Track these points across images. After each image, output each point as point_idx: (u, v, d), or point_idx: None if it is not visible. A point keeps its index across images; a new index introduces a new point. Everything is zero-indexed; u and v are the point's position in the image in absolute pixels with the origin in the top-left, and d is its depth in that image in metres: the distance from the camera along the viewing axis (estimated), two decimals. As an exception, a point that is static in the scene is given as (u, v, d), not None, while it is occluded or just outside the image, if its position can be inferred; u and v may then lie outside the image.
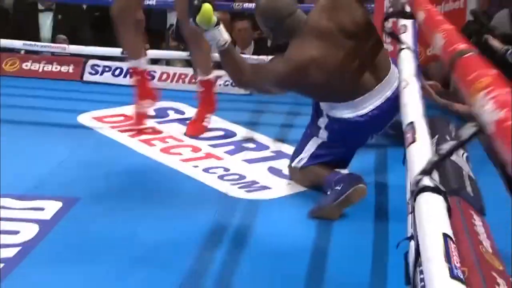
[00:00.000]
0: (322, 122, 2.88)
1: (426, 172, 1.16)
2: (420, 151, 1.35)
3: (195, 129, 3.69)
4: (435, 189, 1.14)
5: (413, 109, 1.64)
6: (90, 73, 4.94)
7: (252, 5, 4.55)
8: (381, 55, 2.82)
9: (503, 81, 0.94)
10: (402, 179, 2.11)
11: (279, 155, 3.42)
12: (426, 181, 1.15)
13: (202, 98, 3.74)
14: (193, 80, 4.62)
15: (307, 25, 2.79)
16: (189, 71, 4.69)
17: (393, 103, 2.65)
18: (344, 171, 2.80)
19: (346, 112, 2.80)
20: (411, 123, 1.52)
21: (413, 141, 1.41)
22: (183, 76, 4.77)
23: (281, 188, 2.99)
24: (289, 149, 3.36)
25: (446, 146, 1.17)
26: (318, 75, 2.71)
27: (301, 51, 2.72)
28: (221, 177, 3.12)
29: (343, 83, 2.76)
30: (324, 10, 2.79)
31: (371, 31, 2.83)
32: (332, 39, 2.74)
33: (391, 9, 2.82)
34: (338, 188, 2.63)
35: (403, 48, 2.32)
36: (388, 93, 2.80)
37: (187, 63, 4.92)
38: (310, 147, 2.90)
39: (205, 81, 3.70)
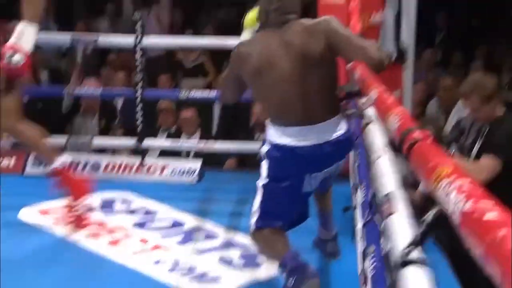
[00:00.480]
0: (265, 148, 2.80)
1: (416, 243, 1.12)
2: (400, 223, 1.32)
3: (73, 221, 3.57)
4: (423, 262, 1.10)
5: (388, 180, 1.61)
6: (33, 166, 4.82)
7: (199, 94, 4.59)
8: (326, 101, 2.74)
9: (462, 171, 0.93)
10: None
11: (230, 244, 3.35)
12: (416, 254, 1.11)
13: (65, 187, 3.58)
14: (137, 169, 4.57)
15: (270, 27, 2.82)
16: (136, 160, 4.63)
17: (334, 149, 2.69)
18: (299, 258, 2.73)
19: (284, 138, 2.72)
20: (388, 194, 1.50)
21: (391, 212, 1.38)
22: (129, 166, 4.70)
23: (232, 279, 2.91)
24: (241, 238, 3.29)
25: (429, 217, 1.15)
26: (249, 68, 2.74)
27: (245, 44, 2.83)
28: (171, 270, 3.02)
29: (274, 99, 2.72)
30: (296, 31, 2.75)
31: (326, 77, 2.75)
32: (278, 50, 2.72)
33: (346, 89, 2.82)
34: (292, 280, 2.57)
35: (368, 123, 2.32)
36: (328, 137, 2.72)
37: (134, 152, 4.87)
38: (258, 196, 2.79)
39: (55, 170, 3.59)
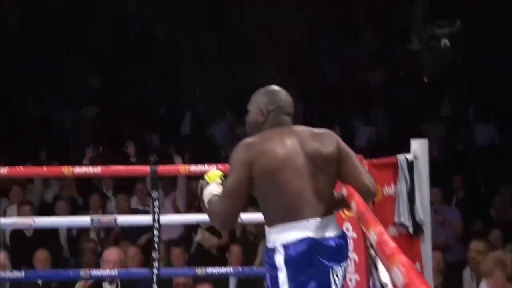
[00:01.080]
0: (278, 258, 2.67)
1: None
2: None
3: None
4: None
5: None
6: None
7: (215, 270, 4.57)
8: (331, 198, 2.81)
9: None
10: None
11: None
12: None
13: None
14: None
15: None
16: None
17: (344, 243, 2.73)
18: None
19: (298, 233, 2.66)
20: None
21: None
22: None
23: None
24: None
25: None
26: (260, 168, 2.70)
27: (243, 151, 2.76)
28: None
29: (286, 194, 2.70)
30: (304, 132, 2.83)
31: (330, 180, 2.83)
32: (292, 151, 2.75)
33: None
34: None
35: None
36: (338, 231, 2.77)
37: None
38: None
39: None
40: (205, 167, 4.41)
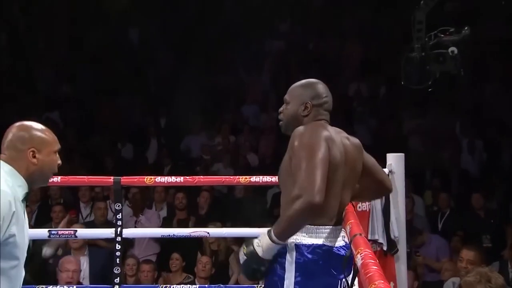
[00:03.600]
0: (290, 258, 2.62)
1: None
2: None
3: None
4: None
5: None
6: None
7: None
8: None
9: None
10: None
11: None
12: None
13: None
14: None
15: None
16: None
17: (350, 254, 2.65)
18: None
19: (325, 239, 2.66)
20: None
21: None
22: None
23: None
24: None
25: None
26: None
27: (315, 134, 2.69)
28: None
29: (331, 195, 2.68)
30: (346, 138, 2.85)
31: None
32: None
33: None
34: None
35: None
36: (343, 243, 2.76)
37: None
38: None
39: None
40: (173, 178, 4.36)
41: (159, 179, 4.41)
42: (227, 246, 6.68)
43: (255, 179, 4.30)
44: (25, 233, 2.51)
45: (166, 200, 7.62)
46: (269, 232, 2.59)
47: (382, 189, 3.07)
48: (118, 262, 4.32)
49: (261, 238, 2.61)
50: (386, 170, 4.16)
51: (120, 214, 4.32)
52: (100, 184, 5.74)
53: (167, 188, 7.52)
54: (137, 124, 10.32)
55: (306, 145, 2.62)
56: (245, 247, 2.65)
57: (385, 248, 4.21)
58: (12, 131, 2.54)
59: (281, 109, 2.93)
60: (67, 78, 10.96)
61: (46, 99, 10.55)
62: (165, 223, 7.03)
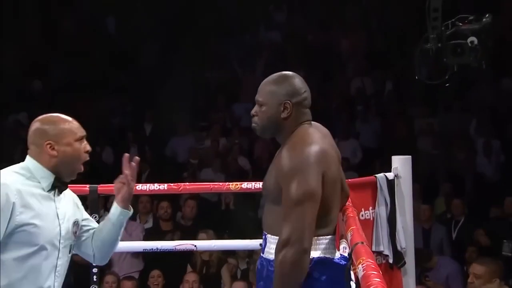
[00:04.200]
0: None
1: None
2: None
3: None
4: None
5: None
6: None
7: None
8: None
9: None
10: None
11: None
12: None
13: None
14: None
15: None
16: None
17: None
18: None
19: (331, 250, 2.71)
20: None
21: None
22: None
23: None
24: None
25: None
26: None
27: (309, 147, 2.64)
28: None
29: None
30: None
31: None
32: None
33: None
34: None
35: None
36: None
37: None
38: None
39: None
40: (156, 186, 4.33)
41: (141, 186, 4.36)
42: (219, 257, 6.68)
43: (246, 185, 4.27)
44: (50, 220, 2.74)
45: (152, 211, 7.59)
46: None
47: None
48: (95, 279, 4.30)
49: None
50: (391, 174, 4.15)
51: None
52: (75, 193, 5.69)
53: (152, 197, 7.48)
54: (117, 124, 10.29)
55: (297, 174, 2.57)
56: None
57: (391, 260, 4.18)
58: (32, 126, 2.81)
59: (253, 111, 2.79)
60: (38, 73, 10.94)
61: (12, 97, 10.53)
62: (149, 236, 7.01)
